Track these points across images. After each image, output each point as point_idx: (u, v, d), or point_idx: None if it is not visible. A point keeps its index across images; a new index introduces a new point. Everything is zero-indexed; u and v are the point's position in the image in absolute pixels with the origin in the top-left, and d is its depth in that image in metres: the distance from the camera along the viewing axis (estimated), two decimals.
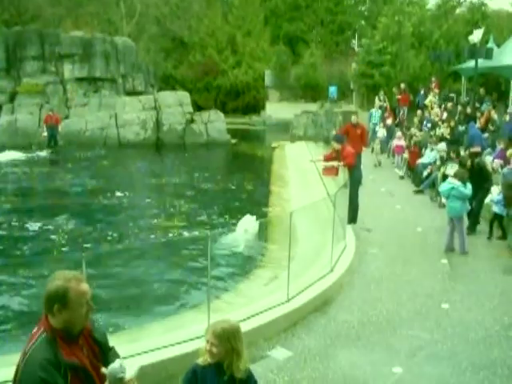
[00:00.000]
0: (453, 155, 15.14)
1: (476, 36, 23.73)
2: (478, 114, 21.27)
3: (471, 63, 24.30)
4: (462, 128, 19.82)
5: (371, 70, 32.69)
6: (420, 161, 18.27)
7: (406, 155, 20.12)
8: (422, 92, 28.36)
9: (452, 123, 20.06)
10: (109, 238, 13.27)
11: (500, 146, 16.72)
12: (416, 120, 24.33)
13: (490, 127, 19.81)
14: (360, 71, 33.76)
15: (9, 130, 29.27)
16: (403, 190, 17.70)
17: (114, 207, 16.81)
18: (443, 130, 20.10)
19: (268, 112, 41.16)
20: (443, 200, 13.43)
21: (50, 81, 31.52)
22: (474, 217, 12.91)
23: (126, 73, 33.60)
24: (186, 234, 13.65)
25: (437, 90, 27.06)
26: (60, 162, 25.35)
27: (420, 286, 9.78)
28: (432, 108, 25.49)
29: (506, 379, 6.68)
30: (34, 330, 3.13)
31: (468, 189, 11.42)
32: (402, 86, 28.35)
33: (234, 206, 16.96)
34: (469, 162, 13.16)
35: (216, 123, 31.62)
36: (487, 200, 13.10)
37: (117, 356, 3.39)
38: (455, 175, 11.87)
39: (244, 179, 20.74)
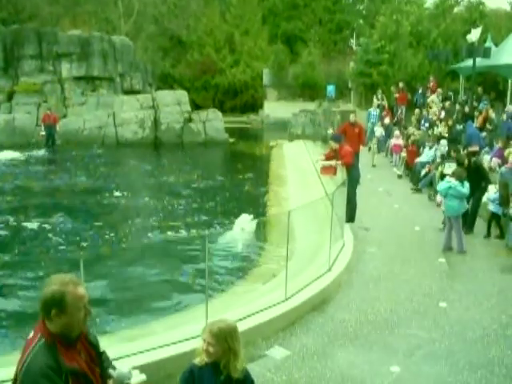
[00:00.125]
0: (453, 154, 15.13)
1: (474, 35, 23.73)
2: (476, 113, 21.28)
3: (469, 62, 24.29)
4: (459, 127, 19.84)
5: (369, 68, 32.70)
6: (418, 160, 18.28)
7: (404, 154, 20.13)
8: (420, 91, 28.37)
9: (450, 122, 20.09)
10: (106, 237, 13.26)
11: (498, 144, 16.75)
12: (414, 119, 24.35)
13: (488, 126, 19.84)
14: (358, 70, 33.77)
15: (6, 129, 29.24)
16: (401, 189, 17.71)
17: (112, 206, 16.81)
18: (441, 129, 20.12)
19: (266, 111, 41.16)
20: (438, 199, 13.44)
21: (47, 80, 31.49)
22: (471, 216, 12.92)
23: (123, 72, 33.60)
24: (183, 233, 13.65)
25: (440, 90, 26.99)
26: (58, 161, 25.33)
27: (418, 284, 9.79)
28: (431, 107, 25.51)
29: (504, 378, 6.69)
30: (31, 336, 3.07)
31: (466, 188, 11.43)
32: (401, 84, 28.39)
33: (231, 205, 16.95)
34: (466, 161, 13.16)
35: (214, 122, 31.61)
36: (484, 199, 13.12)
37: (108, 360, 3.40)
38: (453, 174, 11.89)
39: (242, 178, 20.76)
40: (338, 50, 46.73)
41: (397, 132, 21.75)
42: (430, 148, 18.20)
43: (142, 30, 43.98)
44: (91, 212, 16.15)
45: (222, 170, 24.63)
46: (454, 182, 11.50)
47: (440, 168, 15.40)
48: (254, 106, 43.48)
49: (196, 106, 37.30)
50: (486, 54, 22.78)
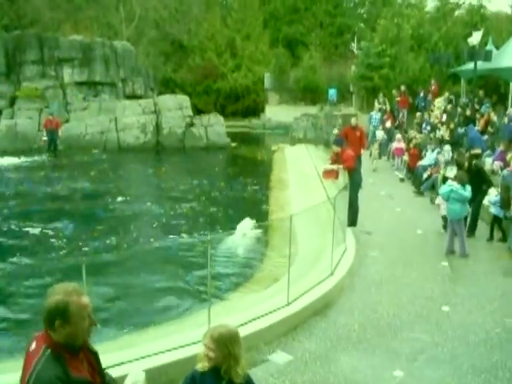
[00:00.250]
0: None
1: (475, 38, 23.77)
2: (478, 116, 21.27)
3: (470, 65, 24.32)
4: (461, 130, 19.83)
5: (370, 72, 32.71)
6: (420, 163, 18.27)
7: (405, 157, 20.12)
8: (422, 94, 28.37)
9: (452, 125, 20.08)
10: (108, 242, 13.26)
11: (500, 147, 16.74)
12: (415, 122, 24.34)
13: (490, 129, 19.82)
14: (359, 74, 33.78)
15: (8, 135, 29.30)
16: (403, 193, 17.69)
17: (114, 211, 16.80)
18: (443, 133, 20.11)
19: (268, 115, 41.24)
20: (437, 201, 13.43)
21: (49, 85, 31.57)
22: (472, 219, 12.89)
23: (125, 77, 33.70)
24: (185, 237, 13.64)
25: (447, 94, 26.91)
26: (60, 167, 25.34)
27: (420, 288, 9.77)
28: (432, 111, 25.51)
29: (507, 382, 6.67)
30: (33, 347, 3.02)
31: (467, 191, 11.42)
32: (402, 88, 28.38)
33: (233, 209, 16.94)
34: (466, 164, 13.15)
35: (216, 126, 31.64)
36: (485, 201, 13.11)
37: (114, 381, 3.41)
38: (455, 177, 11.88)
39: (244, 182, 20.75)
40: (339, 53, 46.79)
41: (398, 135, 21.73)
42: (432, 151, 18.19)
43: (144, 35, 44.09)
44: (93, 217, 16.14)
45: (223, 175, 24.62)
46: (455, 185, 11.49)
47: (442, 171, 15.39)
48: (256, 110, 43.55)
49: (198, 111, 37.35)
50: (488, 57, 22.80)
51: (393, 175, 20.37)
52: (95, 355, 3.21)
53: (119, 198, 18.15)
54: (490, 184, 13.05)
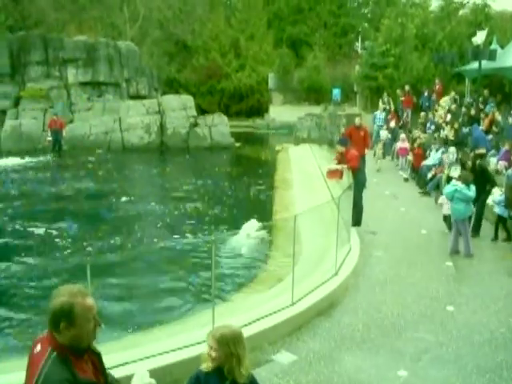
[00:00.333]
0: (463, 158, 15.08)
1: (479, 37, 23.73)
2: (482, 116, 21.23)
3: (475, 65, 24.27)
4: (465, 130, 19.80)
5: (375, 72, 32.71)
6: (424, 163, 18.25)
7: (410, 157, 20.10)
8: (426, 94, 28.33)
9: (456, 125, 20.04)
10: (112, 242, 13.28)
11: (504, 147, 16.70)
12: (420, 122, 24.30)
13: (494, 129, 19.78)
14: (363, 73, 33.77)
15: (13, 135, 29.38)
16: (407, 193, 17.68)
17: (118, 211, 16.83)
18: (447, 132, 20.08)
19: (272, 115, 41.23)
20: (440, 200, 13.42)
21: (53, 85, 31.63)
22: (476, 219, 12.86)
23: (129, 77, 33.73)
24: (189, 237, 13.65)
25: (453, 93, 26.82)
26: (64, 167, 25.39)
27: (425, 288, 9.76)
28: (436, 110, 25.47)
29: None
30: (38, 349, 3.00)
31: (472, 191, 11.39)
32: (407, 88, 28.35)
33: (237, 209, 16.94)
34: (469, 163, 13.12)
35: (220, 126, 31.65)
36: (490, 201, 13.09)
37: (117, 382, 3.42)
38: (459, 177, 11.86)
39: (248, 182, 20.75)
40: (344, 53, 46.76)
41: (403, 135, 21.70)
42: (437, 151, 18.17)
43: (148, 35, 44.14)
44: (98, 217, 16.17)
45: (227, 175, 24.62)
46: (460, 185, 11.47)
47: (446, 171, 15.37)
48: (260, 111, 43.55)
49: (202, 111, 37.35)
50: (492, 56, 22.76)
51: (397, 175, 20.35)
52: (98, 356, 3.21)
53: (123, 198, 18.18)
54: (493, 184, 13.02)
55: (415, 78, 31.76)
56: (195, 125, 31.45)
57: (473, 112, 21.63)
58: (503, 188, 13.02)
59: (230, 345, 3.76)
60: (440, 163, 17.30)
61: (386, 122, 25.66)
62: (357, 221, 12.98)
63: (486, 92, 24.91)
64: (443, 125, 21.93)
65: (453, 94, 26.53)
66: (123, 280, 10.73)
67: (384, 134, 24.22)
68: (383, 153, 22.86)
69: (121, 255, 12.03)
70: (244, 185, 20.43)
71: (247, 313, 8.19)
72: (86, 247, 12.79)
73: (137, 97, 33.29)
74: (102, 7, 43.41)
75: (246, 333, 6.32)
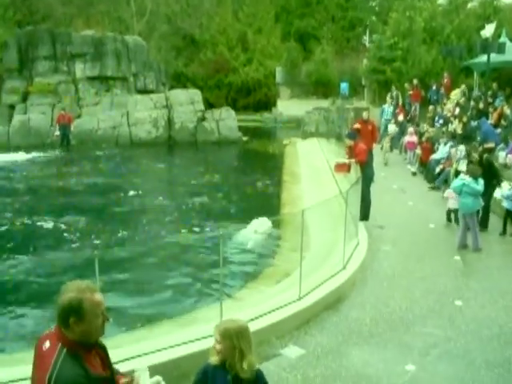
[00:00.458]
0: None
1: (488, 30, 23.59)
2: (491, 110, 21.10)
3: (483, 58, 24.13)
4: (474, 124, 19.69)
5: (382, 65, 32.59)
6: (433, 157, 18.18)
7: (418, 151, 20.03)
8: (434, 87, 28.19)
9: (464, 119, 19.93)
10: (120, 236, 13.32)
11: None
12: (428, 116, 24.19)
13: (503, 122, 19.66)
14: (371, 67, 33.66)
15: (22, 130, 29.48)
16: (415, 187, 17.62)
17: (127, 205, 16.88)
18: (455, 126, 19.98)
19: (279, 109, 41.18)
20: (445, 195, 13.39)
21: (61, 80, 31.70)
22: (483, 213, 12.81)
23: (137, 71, 33.74)
24: (197, 231, 13.67)
25: (463, 86, 26.60)
26: (73, 161, 25.47)
27: (433, 283, 9.74)
28: (445, 104, 25.34)
29: None
30: (48, 346, 3.00)
31: (480, 185, 11.34)
32: (415, 81, 28.22)
33: (246, 203, 16.96)
34: (475, 155, 13.04)
35: (227, 121, 31.65)
36: (498, 195, 13.04)
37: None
38: (467, 171, 11.82)
39: (256, 177, 20.74)
40: (351, 47, 46.65)
41: (411, 129, 21.61)
42: (445, 145, 18.09)
43: (155, 30, 44.12)
44: (106, 211, 16.23)
45: (235, 169, 24.65)
46: (467, 179, 11.42)
47: (454, 165, 15.31)
48: (267, 104, 43.49)
49: (209, 105, 37.34)
50: (501, 49, 22.61)
51: (405, 169, 20.29)
52: (104, 349, 3.23)
53: (131, 192, 18.23)
54: (499, 179, 12.95)
55: (423, 71, 31.61)
56: (203, 119, 31.47)
57: (481, 106, 21.50)
58: (511, 182, 12.96)
59: (233, 338, 3.77)
60: (448, 157, 17.23)
61: (394, 115, 25.56)
62: (365, 215, 12.96)
63: (494, 85, 24.75)
64: (451, 119, 21.82)
65: (463, 86, 26.33)
66: (131, 274, 10.77)
67: (392, 127, 24.14)
68: (390, 146, 22.77)
69: (128, 249, 12.08)
70: (252, 179, 20.41)
71: (255, 307, 8.20)
72: (94, 241, 12.83)
73: (144, 91, 33.31)
74: (109, 1, 43.45)
75: (254, 327, 6.33)
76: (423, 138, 20.03)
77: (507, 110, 20.27)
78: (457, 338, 7.63)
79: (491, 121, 19.78)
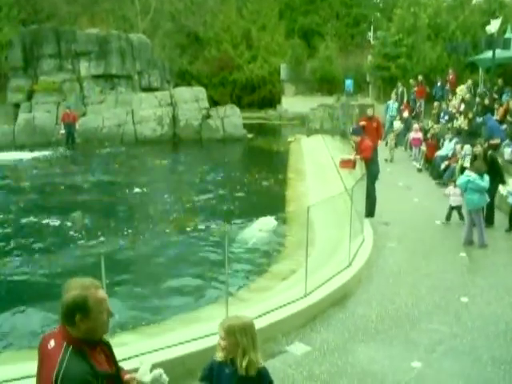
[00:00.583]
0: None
1: (493, 26, 23.51)
2: (496, 106, 21.02)
3: (488, 54, 24.04)
4: (479, 120, 19.63)
5: (387, 62, 32.53)
6: (438, 153, 18.14)
7: (423, 148, 19.99)
8: (439, 84, 28.11)
9: (470, 115, 19.87)
10: (126, 233, 13.34)
11: None
12: (433, 113, 24.13)
13: (509, 118, 19.59)
14: (376, 64, 33.60)
15: (27, 129, 29.51)
16: (421, 183, 17.60)
17: (132, 203, 16.92)
18: (461, 122, 19.93)
19: (284, 106, 41.12)
20: (446, 191, 13.35)
21: (66, 78, 31.71)
22: (488, 209, 12.76)
23: (141, 69, 33.72)
24: (203, 228, 13.68)
25: (470, 81, 26.47)
26: (78, 160, 25.52)
27: (439, 279, 9.73)
28: (450, 100, 25.25)
29: None
30: (53, 345, 3.01)
31: (485, 181, 11.32)
32: (420, 78, 28.16)
33: (251, 200, 16.96)
34: (478, 149, 12.99)
35: (232, 118, 31.63)
36: (504, 192, 13.00)
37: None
38: (472, 168, 11.79)
39: (261, 174, 20.73)
40: (356, 43, 46.55)
41: (416, 126, 21.58)
42: (450, 141, 18.05)
43: (159, 28, 44.12)
44: (111, 209, 16.26)
45: (240, 166, 24.64)
46: (473, 175, 11.39)
47: (460, 161, 15.28)
48: (272, 102, 43.45)
49: (214, 103, 37.30)
50: (506, 45, 22.52)
51: (410, 165, 20.27)
52: (108, 346, 3.25)
53: (136, 190, 18.25)
54: (502, 177, 12.86)
55: (428, 67, 31.50)
56: (207, 116, 31.46)
57: (487, 102, 21.43)
58: None
59: (236, 335, 3.78)
60: (454, 153, 17.19)
61: (400, 112, 25.51)
62: (370, 212, 12.96)
63: (500, 81, 24.66)
64: (457, 115, 21.76)
65: (469, 82, 26.23)
66: (135, 270, 10.79)
67: (397, 124, 24.09)
68: (395, 143, 22.72)
69: (132, 247, 12.11)
70: (257, 176, 20.41)
71: (261, 304, 8.21)
72: (100, 239, 12.85)
73: (149, 89, 33.30)
74: (113, 0, 43.45)
75: (260, 324, 6.34)
76: (428, 135, 19.99)
77: None
78: (463, 334, 7.62)
79: (497, 117, 19.72)
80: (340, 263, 9.78)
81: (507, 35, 25.17)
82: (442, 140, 19.06)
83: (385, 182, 15.81)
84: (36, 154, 25.80)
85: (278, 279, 10.04)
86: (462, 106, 22.55)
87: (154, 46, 37.11)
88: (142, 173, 22.14)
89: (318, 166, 20.03)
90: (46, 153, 26.13)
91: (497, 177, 12.61)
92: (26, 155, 25.48)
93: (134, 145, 29.20)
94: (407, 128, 23.60)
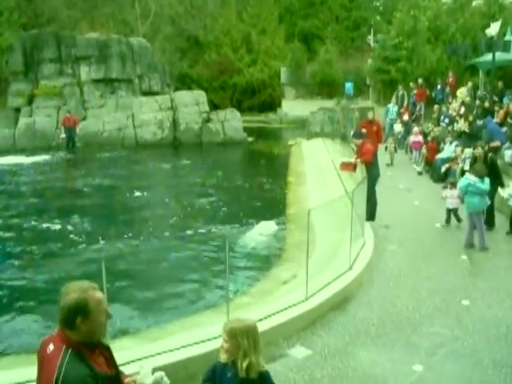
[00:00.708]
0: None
1: (493, 29, 23.49)
2: (497, 108, 21.03)
3: (488, 56, 24.04)
4: (480, 122, 19.63)
5: (387, 65, 32.57)
6: (438, 156, 18.14)
7: (424, 151, 20.00)
8: (439, 87, 28.13)
9: (470, 118, 19.87)
10: (126, 237, 13.33)
11: None
12: (433, 115, 24.13)
13: (509, 121, 19.59)
14: (376, 67, 33.64)
15: (27, 133, 29.58)
16: (421, 186, 17.58)
17: (133, 206, 16.91)
18: (461, 125, 19.93)
19: (284, 109, 41.19)
20: (443, 194, 13.32)
21: (67, 83, 31.79)
22: (488, 212, 12.74)
23: (142, 73, 33.82)
24: (203, 232, 13.67)
25: (470, 84, 26.46)
26: (78, 164, 25.55)
27: (440, 282, 9.71)
28: (450, 103, 25.26)
29: None
30: (52, 349, 3.02)
31: (486, 184, 11.31)
32: (420, 80, 28.18)
33: (251, 204, 16.95)
34: (479, 151, 12.98)
35: (232, 122, 31.66)
36: (505, 195, 12.99)
37: None
38: (472, 171, 11.78)
39: (261, 177, 20.74)
40: (356, 47, 46.65)
41: (416, 129, 21.58)
42: (450, 144, 18.05)
43: (160, 32, 44.23)
44: (112, 212, 16.26)
45: (241, 170, 24.66)
46: (473, 178, 11.39)
47: (461, 164, 15.27)
48: (272, 105, 43.55)
49: (214, 106, 37.38)
50: (506, 47, 22.52)
51: (410, 169, 20.26)
52: (108, 349, 3.25)
53: (137, 194, 18.26)
54: (501, 181, 12.84)
55: (428, 70, 31.54)
56: (208, 120, 31.50)
57: (487, 104, 21.43)
58: None
59: (238, 337, 3.79)
60: (454, 156, 17.19)
61: (400, 115, 25.52)
62: (371, 215, 12.95)
63: (500, 84, 24.67)
64: (457, 118, 21.77)
65: (470, 84, 26.24)
66: (136, 275, 10.78)
67: (398, 127, 24.09)
68: (395, 147, 22.71)
69: (134, 250, 12.10)
70: (257, 179, 20.41)
71: (262, 307, 8.20)
72: (100, 242, 12.85)
73: (149, 93, 33.39)
74: (113, 4, 43.60)
75: (261, 328, 6.31)
76: (429, 138, 19.99)
77: None
78: (464, 337, 7.60)
79: (497, 119, 19.72)
80: (341, 266, 9.77)
81: (507, 38, 25.18)
82: (442, 143, 19.07)
83: (385, 184, 15.80)
84: (36, 158, 25.83)
85: (279, 283, 10.02)
86: (463, 109, 22.55)
87: (154, 49, 37.22)
88: (142, 177, 22.14)
89: (319, 170, 20.03)
90: (47, 157, 26.18)
91: (497, 179, 12.61)
92: (26, 159, 25.51)
93: (135, 149, 29.24)
94: (407, 131, 23.61)
